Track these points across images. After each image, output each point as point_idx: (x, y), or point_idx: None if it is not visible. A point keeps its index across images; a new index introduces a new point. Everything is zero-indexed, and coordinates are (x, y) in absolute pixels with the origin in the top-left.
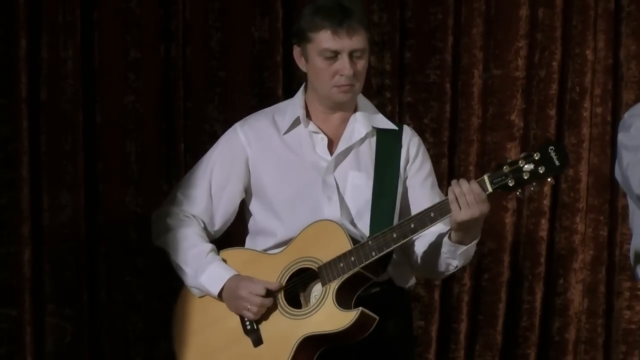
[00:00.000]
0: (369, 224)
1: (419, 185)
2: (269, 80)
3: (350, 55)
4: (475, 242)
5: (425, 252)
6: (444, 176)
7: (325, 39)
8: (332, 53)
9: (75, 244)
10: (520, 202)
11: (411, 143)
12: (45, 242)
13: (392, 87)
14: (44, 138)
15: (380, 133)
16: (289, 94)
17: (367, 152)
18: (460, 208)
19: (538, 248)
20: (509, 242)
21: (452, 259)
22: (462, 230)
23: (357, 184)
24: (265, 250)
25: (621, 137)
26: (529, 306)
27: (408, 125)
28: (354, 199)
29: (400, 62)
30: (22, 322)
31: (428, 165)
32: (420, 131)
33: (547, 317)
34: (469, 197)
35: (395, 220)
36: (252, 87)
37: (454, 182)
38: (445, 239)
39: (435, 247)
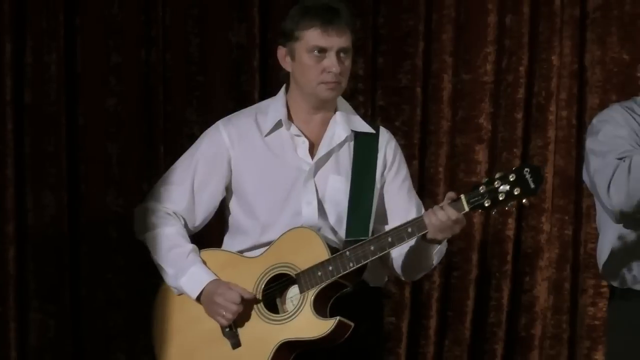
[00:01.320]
0: (345, 228)
1: (396, 191)
2: (246, 85)
3: (338, 53)
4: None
5: (402, 256)
6: (415, 177)
7: (315, 36)
8: (320, 50)
9: (58, 243)
10: None
11: (388, 147)
12: (29, 240)
13: (365, 91)
14: (28, 140)
15: (358, 136)
16: (265, 97)
17: (346, 155)
18: (437, 231)
19: (505, 247)
20: (477, 241)
21: (428, 259)
22: (438, 240)
23: (337, 188)
24: (243, 250)
25: (589, 142)
26: (496, 303)
27: (383, 127)
28: (333, 203)
29: (373, 66)
30: (6, 318)
31: (404, 170)
32: (392, 133)
33: (513, 314)
34: (447, 223)
35: (371, 226)
36: (229, 91)
37: (427, 213)
38: (420, 240)
39: (411, 251)
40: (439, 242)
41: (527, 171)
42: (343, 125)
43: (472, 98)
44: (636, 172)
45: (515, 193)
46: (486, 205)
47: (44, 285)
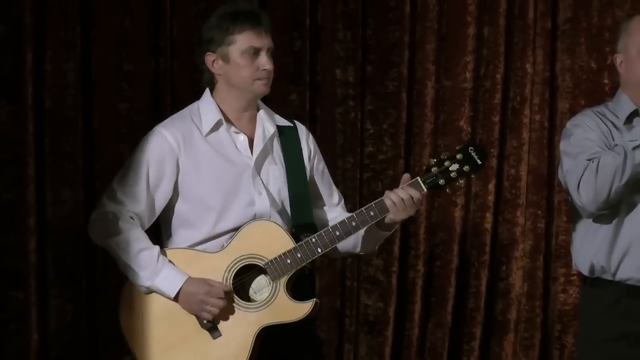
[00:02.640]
0: (289, 212)
1: (320, 177)
2: None
3: (267, 52)
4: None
5: (363, 237)
6: (400, 176)
7: (248, 38)
8: (254, 50)
9: (75, 235)
10: (467, 197)
11: (308, 138)
12: (48, 233)
13: (355, 97)
14: (47, 141)
15: (281, 130)
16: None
17: (277, 147)
18: (399, 211)
19: (483, 239)
20: (458, 233)
21: (375, 243)
22: (395, 226)
23: (277, 177)
24: (193, 245)
25: (562, 144)
26: (475, 290)
27: (369, 130)
28: (276, 191)
29: (362, 74)
30: (28, 303)
31: (321, 157)
32: (379, 135)
33: (491, 300)
34: (408, 202)
35: (311, 208)
36: None
37: (388, 192)
38: (374, 227)
39: (369, 231)
40: (391, 229)
41: (471, 149)
42: (269, 120)
43: (453, 103)
44: (603, 172)
45: (465, 170)
46: (441, 183)
47: (62, 273)
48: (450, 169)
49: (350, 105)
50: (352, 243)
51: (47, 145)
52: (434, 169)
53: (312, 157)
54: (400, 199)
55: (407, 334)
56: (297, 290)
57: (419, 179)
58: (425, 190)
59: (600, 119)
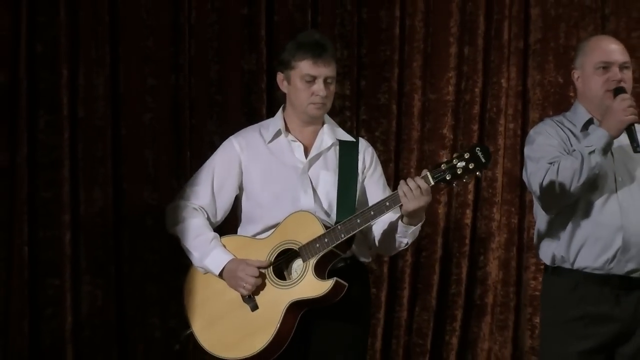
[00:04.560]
0: (335, 211)
1: (373, 185)
2: (255, 102)
3: (325, 80)
4: (421, 223)
5: (382, 234)
6: (391, 177)
7: (307, 66)
8: (311, 77)
9: (105, 229)
10: (450, 196)
11: (366, 153)
12: (81, 228)
13: (351, 107)
14: (80, 146)
15: (342, 144)
16: (270, 112)
17: (333, 157)
18: (409, 200)
19: (464, 232)
20: (441, 227)
21: (404, 237)
22: (411, 216)
23: (327, 180)
24: (255, 234)
25: (526, 150)
26: (456, 277)
27: (363, 137)
28: (325, 192)
29: (357, 88)
30: (63, 290)
31: (379, 169)
32: (372, 142)
33: (471, 286)
34: (416, 192)
35: (355, 210)
36: (242, 107)
37: (402, 181)
38: (399, 222)
39: (390, 230)
40: (414, 224)
41: (478, 150)
42: (329, 134)
43: (437, 113)
44: (563, 174)
45: (470, 167)
46: (448, 178)
47: (93, 263)
48: (457, 165)
49: (346, 115)
50: (379, 238)
51: (80, 151)
52: (443, 165)
53: (367, 168)
54: (409, 188)
55: (396, 316)
56: (346, 279)
57: (428, 173)
58: (432, 182)
59: (560, 127)
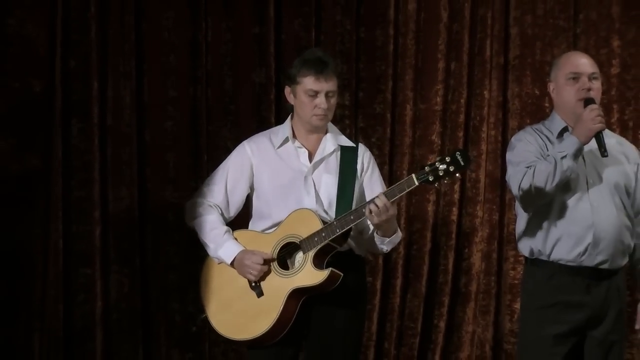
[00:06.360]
0: (335, 210)
1: (371, 185)
2: (265, 112)
3: (326, 94)
4: (396, 234)
5: (367, 240)
6: (386, 178)
7: (310, 82)
8: (314, 92)
9: (131, 224)
10: (438, 195)
11: (364, 157)
12: (110, 223)
13: (350, 116)
14: (109, 151)
15: (343, 149)
16: (279, 121)
17: (335, 161)
18: (374, 217)
19: (450, 227)
20: (431, 223)
21: (382, 244)
22: (380, 228)
23: (328, 183)
24: (264, 229)
25: (508, 155)
26: (444, 268)
27: (361, 143)
28: (326, 193)
29: (356, 99)
30: (94, 278)
31: (377, 172)
32: (369, 147)
33: (456, 275)
34: (382, 209)
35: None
36: (253, 116)
37: (366, 203)
38: (375, 233)
39: (371, 238)
40: (387, 235)
41: (458, 154)
42: (332, 141)
43: (426, 121)
44: (538, 177)
45: (451, 169)
46: (430, 179)
47: (120, 254)
48: (439, 168)
49: (346, 123)
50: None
51: (108, 154)
52: (426, 168)
53: (365, 170)
54: (375, 205)
55: (390, 302)
56: (335, 268)
57: (413, 175)
58: (417, 183)
59: (538, 134)
